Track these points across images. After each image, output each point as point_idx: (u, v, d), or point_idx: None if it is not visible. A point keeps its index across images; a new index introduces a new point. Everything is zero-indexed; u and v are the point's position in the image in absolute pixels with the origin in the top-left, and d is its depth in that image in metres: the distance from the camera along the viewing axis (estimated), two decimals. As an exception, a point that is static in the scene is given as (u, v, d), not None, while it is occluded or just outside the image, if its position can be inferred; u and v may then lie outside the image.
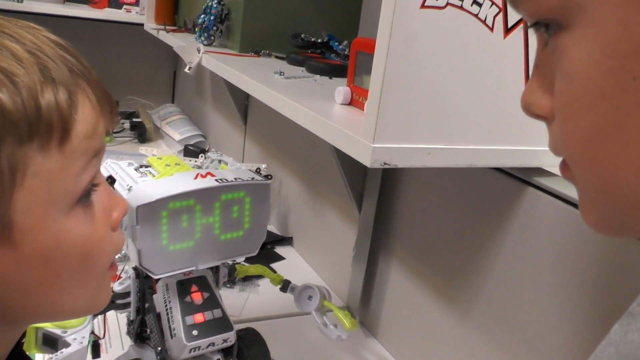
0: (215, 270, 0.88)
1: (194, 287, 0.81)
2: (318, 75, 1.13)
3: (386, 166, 0.65)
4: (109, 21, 2.40)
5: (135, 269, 0.83)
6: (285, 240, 1.47)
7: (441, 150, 0.69)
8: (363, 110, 0.80)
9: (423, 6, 0.61)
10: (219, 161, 0.88)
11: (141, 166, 0.81)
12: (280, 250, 1.43)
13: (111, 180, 0.78)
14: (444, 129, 0.68)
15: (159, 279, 0.81)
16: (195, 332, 0.78)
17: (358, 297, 1.16)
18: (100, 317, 0.87)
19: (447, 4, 0.62)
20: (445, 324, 0.95)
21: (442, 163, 0.69)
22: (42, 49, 0.43)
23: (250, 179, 0.79)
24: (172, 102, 2.58)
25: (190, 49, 1.36)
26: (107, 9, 2.50)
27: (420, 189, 1.02)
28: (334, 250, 1.29)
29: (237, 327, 0.85)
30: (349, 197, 1.14)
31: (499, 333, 0.84)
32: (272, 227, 1.56)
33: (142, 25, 2.00)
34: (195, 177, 0.76)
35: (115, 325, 1.03)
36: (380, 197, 1.09)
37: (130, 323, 0.88)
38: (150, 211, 0.71)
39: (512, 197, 0.82)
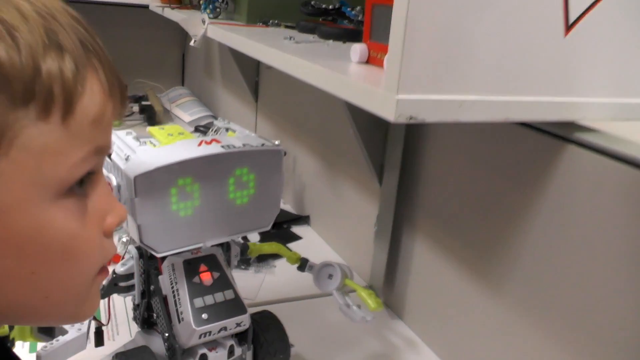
0: (226, 248, 0.81)
1: (202, 267, 0.74)
2: (331, 41, 1.06)
3: (412, 121, 0.58)
4: (114, 4, 2.35)
5: (138, 248, 0.76)
6: (302, 219, 1.40)
7: (474, 103, 0.60)
8: (382, 66, 0.72)
9: None
10: (227, 129, 0.80)
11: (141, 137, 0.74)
12: (296, 229, 1.36)
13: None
14: (476, 77, 0.60)
15: (164, 259, 0.74)
16: (205, 316, 0.71)
17: (381, 275, 1.09)
18: (103, 301, 0.80)
19: None
20: (477, 302, 0.87)
21: (475, 117, 0.61)
22: (54, 15, 0.39)
23: (260, 145, 0.71)
24: (182, 85, 2.52)
25: (195, 21, 1.29)
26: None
27: (445, 155, 0.94)
28: (354, 227, 1.21)
29: (252, 310, 0.78)
30: (369, 169, 1.06)
31: (538, 309, 0.77)
32: (287, 206, 1.49)
33: (147, 6, 1.95)
34: (200, 144, 0.68)
35: (123, 311, 0.96)
36: (402, 166, 1.01)
37: (135, 307, 0.81)
38: (150, 182, 0.64)
39: (548, 157, 0.74)
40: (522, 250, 0.79)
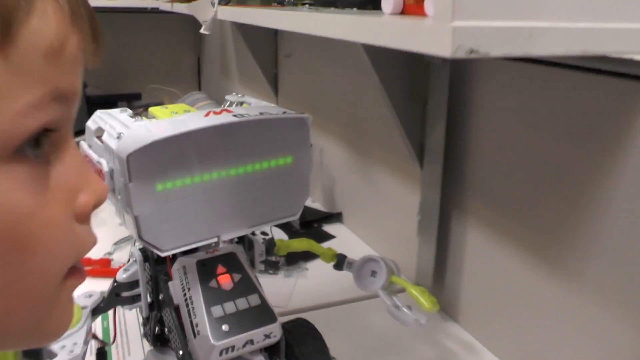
0: (248, 246, 0.69)
1: (220, 268, 0.61)
2: (355, 9, 0.93)
3: (473, 55, 0.44)
4: (125, 10, 2.28)
5: (143, 250, 0.64)
6: (334, 217, 1.27)
7: (546, 31, 0.47)
8: (423, 14, 0.59)
9: None
10: (241, 103, 0.68)
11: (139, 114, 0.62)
12: (328, 228, 1.23)
13: (99, 132, 0.59)
14: None
15: (174, 261, 0.61)
16: (225, 327, 0.58)
17: (430, 272, 0.95)
18: (110, 315, 0.68)
19: None
20: (548, 295, 0.73)
21: (548, 49, 0.48)
22: None
23: (281, 113, 0.59)
24: (199, 89, 2.43)
25: (204, 5, 1.17)
26: (119, -1, 2.37)
27: (497, 122, 0.79)
28: (394, 219, 1.07)
29: (284, 319, 0.65)
30: (407, 151, 0.93)
31: (628, 300, 0.62)
32: (316, 204, 1.36)
33: (158, 11, 1.86)
34: (207, 115, 0.56)
35: (135, 326, 0.84)
36: (446, 143, 0.88)
37: (145, 322, 0.69)
38: (147, 160, 0.52)
39: (629, 106, 0.60)
40: (603, 228, 0.65)
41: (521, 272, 0.77)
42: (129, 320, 0.85)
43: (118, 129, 0.56)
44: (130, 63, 2.32)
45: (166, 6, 1.68)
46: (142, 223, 0.53)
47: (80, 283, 0.36)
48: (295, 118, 0.59)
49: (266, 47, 1.54)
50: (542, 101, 0.71)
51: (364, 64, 0.86)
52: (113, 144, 0.54)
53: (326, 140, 1.29)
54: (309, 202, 1.34)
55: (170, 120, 0.55)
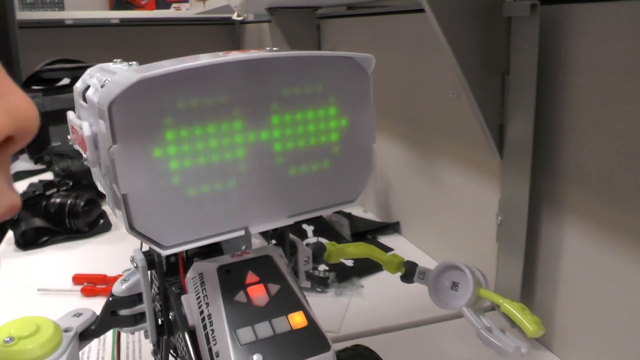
0: (291, 248, 0.52)
1: (251, 276, 0.44)
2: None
3: None
4: (161, 22, 2.22)
5: (147, 253, 0.47)
6: (390, 227, 1.09)
7: None
8: None
9: None
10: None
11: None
12: (385, 240, 1.05)
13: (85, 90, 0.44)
14: None
15: (189, 266, 0.45)
16: (257, 358, 0.40)
17: (516, 287, 0.75)
18: (105, 339, 0.51)
19: None
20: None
21: None
22: None
23: (329, 53, 0.42)
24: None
25: (236, -14, 1.03)
26: (155, 11, 2.30)
27: (607, 82, 0.61)
28: (464, 225, 0.89)
29: (338, 346, 0.48)
30: (484, 136, 0.75)
31: None
32: (369, 215, 1.18)
33: (195, 24, 1.77)
34: (227, 53, 0.39)
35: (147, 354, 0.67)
36: (536, 119, 0.69)
37: (155, 350, 0.52)
38: (137, 111, 0.35)
39: None
40: None
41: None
42: (146, 346, 0.69)
43: (104, 78, 0.40)
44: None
45: (199, 6, 1.56)
46: (133, 206, 0.37)
47: None
48: (349, 58, 0.42)
49: (309, 43, 1.39)
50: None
51: (425, 36, 0.69)
52: (95, 97, 0.38)
53: (378, 140, 1.12)
54: (360, 212, 1.17)
55: (172, 59, 0.39)
